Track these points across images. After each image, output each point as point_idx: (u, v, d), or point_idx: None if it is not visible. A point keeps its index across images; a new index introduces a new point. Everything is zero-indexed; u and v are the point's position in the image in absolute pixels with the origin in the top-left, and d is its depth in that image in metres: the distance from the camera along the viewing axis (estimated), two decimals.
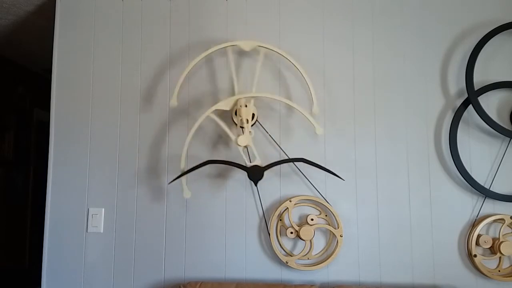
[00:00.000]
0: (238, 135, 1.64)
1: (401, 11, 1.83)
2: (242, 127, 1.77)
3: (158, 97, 1.87)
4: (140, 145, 1.85)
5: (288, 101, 1.68)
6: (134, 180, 1.83)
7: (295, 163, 1.70)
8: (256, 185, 1.66)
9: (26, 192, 3.62)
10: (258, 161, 1.64)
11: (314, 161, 1.65)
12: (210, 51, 1.70)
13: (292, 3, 1.87)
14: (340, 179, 1.72)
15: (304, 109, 1.69)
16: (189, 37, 1.89)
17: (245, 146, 1.65)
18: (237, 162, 1.66)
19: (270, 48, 1.70)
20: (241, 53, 1.83)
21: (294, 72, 1.80)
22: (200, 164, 1.65)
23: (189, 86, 1.85)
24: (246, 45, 1.71)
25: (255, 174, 1.63)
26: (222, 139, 1.81)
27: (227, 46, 1.72)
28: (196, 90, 1.85)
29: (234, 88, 1.75)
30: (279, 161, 1.65)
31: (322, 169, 1.64)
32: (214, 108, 1.68)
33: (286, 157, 1.77)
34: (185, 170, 1.66)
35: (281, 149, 1.78)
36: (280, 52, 1.70)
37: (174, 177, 1.81)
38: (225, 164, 1.67)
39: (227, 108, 1.69)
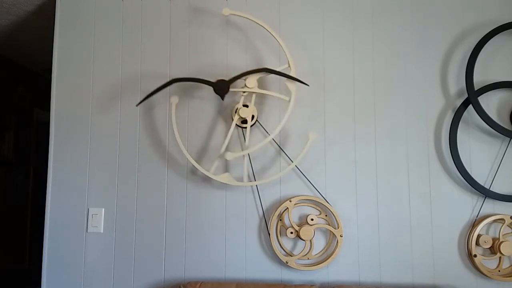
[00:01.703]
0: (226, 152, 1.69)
1: (401, 11, 1.83)
2: (239, 126, 1.77)
3: (158, 97, 1.87)
4: (140, 145, 1.85)
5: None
6: (134, 180, 1.83)
7: (297, 166, 1.70)
8: (222, 99, 1.68)
9: (26, 192, 3.62)
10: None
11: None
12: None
13: (292, 3, 1.87)
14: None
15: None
16: (189, 37, 1.89)
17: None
18: (202, 79, 1.69)
19: (239, 14, 1.73)
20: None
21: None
22: (165, 84, 1.68)
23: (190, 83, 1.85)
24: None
25: (221, 88, 1.66)
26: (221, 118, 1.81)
27: None
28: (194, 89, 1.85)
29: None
30: (242, 74, 1.66)
31: (285, 76, 1.65)
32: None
33: (287, 157, 1.77)
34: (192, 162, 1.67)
35: (281, 149, 1.78)
36: (251, 18, 1.74)
37: (174, 178, 1.81)
38: (190, 81, 1.70)
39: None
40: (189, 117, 1.84)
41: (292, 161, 1.72)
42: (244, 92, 1.69)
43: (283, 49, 1.70)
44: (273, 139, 1.79)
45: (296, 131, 1.79)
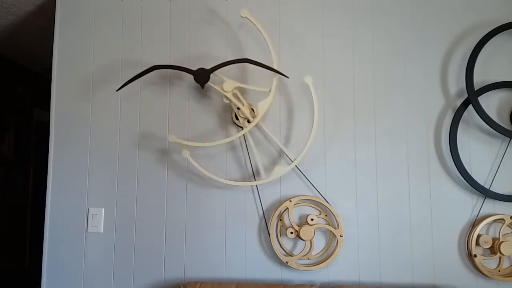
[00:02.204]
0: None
1: (401, 11, 1.83)
2: (239, 126, 1.77)
3: (158, 97, 1.87)
4: (140, 145, 1.85)
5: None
6: (134, 180, 1.83)
7: (297, 166, 1.69)
8: (202, 87, 1.67)
9: (26, 192, 3.62)
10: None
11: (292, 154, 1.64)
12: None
13: (292, 3, 1.87)
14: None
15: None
16: (189, 37, 1.89)
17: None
18: (183, 66, 1.69)
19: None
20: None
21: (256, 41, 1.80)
22: (146, 70, 1.68)
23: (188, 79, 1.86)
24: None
25: (201, 76, 1.66)
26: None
27: None
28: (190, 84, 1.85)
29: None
30: (223, 63, 1.66)
31: (267, 68, 1.65)
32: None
33: (287, 158, 1.77)
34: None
35: (282, 149, 1.78)
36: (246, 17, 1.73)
37: (174, 178, 1.81)
38: (171, 68, 1.70)
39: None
40: (189, 117, 1.84)
41: (292, 161, 1.72)
42: (226, 98, 1.68)
43: (267, 45, 1.69)
44: (273, 140, 1.78)
45: (296, 131, 1.79)
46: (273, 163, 1.78)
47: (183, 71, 1.68)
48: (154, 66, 1.69)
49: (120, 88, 1.73)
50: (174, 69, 1.69)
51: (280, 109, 1.81)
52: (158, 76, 1.88)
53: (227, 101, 1.69)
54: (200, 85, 1.65)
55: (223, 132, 1.81)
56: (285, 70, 1.81)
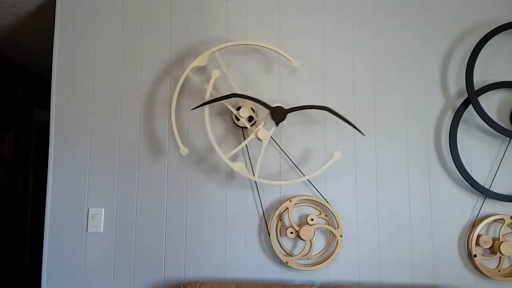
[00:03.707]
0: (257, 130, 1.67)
1: (401, 11, 1.83)
2: (240, 126, 1.77)
3: (158, 97, 1.87)
4: (140, 144, 1.85)
5: (266, 45, 1.71)
6: (134, 180, 1.83)
7: (297, 166, 1.70)
8: (277, 125, 1.66)
9: (26, 192, 3.62)
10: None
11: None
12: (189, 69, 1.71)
13: (292, 3, 1.87)
14: (361, 135, 1.74)
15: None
16: (189, 37, 1.89)
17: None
18: (262, 101, 1.67)
19: (222, 47, 1.72)
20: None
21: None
22: (226, 96, 1.66)
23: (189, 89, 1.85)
24: (201, 60, 1.72)
25: (278, 114, 1.66)
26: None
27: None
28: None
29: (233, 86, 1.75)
30: (303, 106, 1.66)
31: (346, 121, 1.65)
32: (192, 66, 1.70)
33: (287, 158, 1.77)
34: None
35: (282, 150, 1.78)
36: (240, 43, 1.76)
37: (174, 178, 1.81)
38: (250, 99, 1.68)
39: (203, 63, 1.71)
40: (189, 117, 1.84)
41: (293, 162, 1.72)
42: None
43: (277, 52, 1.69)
44: (274, 140, 1.79)
45: (296, 131, 1.79)
46: (273, 162, 1.78)
47: (261, 105, 1.67)
48: (234, 93, 1.68)
49: (194, 108, 1.71)
50: (253, 100, 1.67)
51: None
52: (158, 74, 1.88)
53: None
54: (276, 122, 1.66)
55: (229, 136, 1.81)
56: (286, 70, 1.82)
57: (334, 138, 1.78)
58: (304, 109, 1.67)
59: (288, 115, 1.66)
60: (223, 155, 1.65)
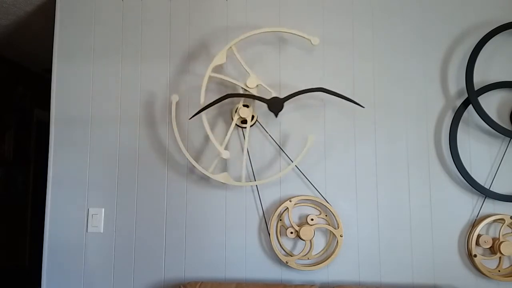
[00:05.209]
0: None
1: (401, 11, 1.83)
2: (239, 126, 1.77)
3: (158, 97, 1.87)
4: (140, 144, 1.85)
5: (282, 29, 1.72)
6: (134, 180, 1.83)
7: (297, 166, 1.70)
8: (276, 116, 1.67)
9: (26, 192, 3.62)
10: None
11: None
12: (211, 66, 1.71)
13: (292, 3, 1.87)
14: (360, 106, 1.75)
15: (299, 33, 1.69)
16: (189, 37, 1.89)
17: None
18: (257, 95, 1.69)
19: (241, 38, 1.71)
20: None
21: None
22: (220, 98, 1.67)
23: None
24: (220, 58, 1.72)
25: (275, 105, 1.66)
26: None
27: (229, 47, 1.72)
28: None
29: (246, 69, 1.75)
30: (298, 92, 1.66)
31: (341, 97, 1.66)
32: (212, 65, 1.70)
33: (287, 157, 1.77)
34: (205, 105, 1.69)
35: (281, 149, 1.78)
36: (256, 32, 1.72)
37: (174, 177, 1.81)
38: (244, 96, 1.70)
39: (223, 61, 1.71)
40: (189, 116, 1.84)
41: (292, 161, 1.72)
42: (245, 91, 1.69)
43: (295, 33, 1.69)
44: (273, 139, 1.79)
45: (296, 131, 1.79)
46: (273, 162, 1.78)
47: (257, 99, 1.68)
48: (228, 94, 1.68)
49: (192, 117, 1.72)
50: (248, 97, 1.69)
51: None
52: (159, 74, 1.88)
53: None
54: (274, 114, 1.67)
55: (222, 129, 1.81)
56: (286, 70, 1.82)
57: (334, 138, 1.78)
58: (300, 94, 1.67)
59: (289, 114, 1.66)
60: (205, 171, 1.69)
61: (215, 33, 1.88)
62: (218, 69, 1.78)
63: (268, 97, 1.67)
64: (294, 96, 1.67)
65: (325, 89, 1.65)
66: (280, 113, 1.67)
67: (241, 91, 1.73)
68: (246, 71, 1.71)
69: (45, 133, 2.05)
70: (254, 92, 1.70)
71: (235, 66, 1.82)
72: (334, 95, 1.66)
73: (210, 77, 1.71)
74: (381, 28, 1.83)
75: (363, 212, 1.74)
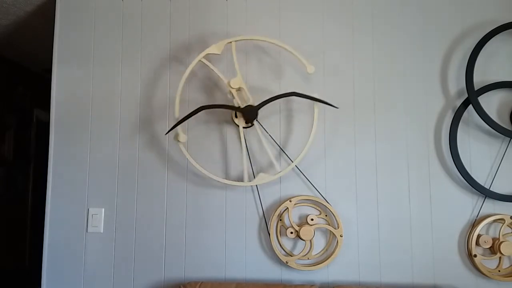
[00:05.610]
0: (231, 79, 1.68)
1: (401, 10, 1.83)
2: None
3: (158, 96, 1.87)
4: (140, 144, 1.85)
5: (279, 43, 1.71)
6: (134, 180, 1.83)
7: (297, 166, 1.70)
8: (252, 124, 1.67)
9: (26, 192, 3.62)
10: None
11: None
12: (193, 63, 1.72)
13: (292, 3, 1.87)
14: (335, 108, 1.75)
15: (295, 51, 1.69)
16: (189, 37, 1.89)
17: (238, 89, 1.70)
18: (229, 105, 1.69)
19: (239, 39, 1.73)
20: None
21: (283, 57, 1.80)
22: (194, 111, 1.67)
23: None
24: (217, 48, 1.72)
25: (250, 113, 1.66)
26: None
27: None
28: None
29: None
30: (271, 98, 1.66)
31: (314, 99, 1.66)
32: (206, 52, 1.70)
33: (287, 157, 1.77)
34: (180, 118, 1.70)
35: (281, 148, 1.78)
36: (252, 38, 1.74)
37: (174, 177, 1.81)
38: (218, 107, 1.70)
39: (218, 52, 1.71)
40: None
41: (292, 161, 1.72)
42: (231, 94, 1.70)
43: (294, 54, 1.69)
44: (273, 139, 1.79)
45: (296, 131, 1.79)
46: (271, 163, 1.78)
47: (229, 109, 1.69)
48: (202, 106, 1.68)
49: (168, 132, 1.72)
50: (220, 107, 1.69)
51: (280, 109, 1.80)
52: (158, 73, 1.88)
53: (230, 96, 1.70)
54: (250, 122, 1.67)
55: (219, 131, 1.81)
56: (286, 69, 1.82)
57: (334, 138, 1.78)
58: (273, 100, 1.67)
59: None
60: (206, 171, 1.66)
61: (215, 33, 1.88)
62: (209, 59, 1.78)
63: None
64: (268, 103, 1.67)
65: (297, 93, 1.66)
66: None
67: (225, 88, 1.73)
68: (235, 69, 1.71)
69: (45, 133, 2.05)
70: (234, 93, 1.69)
71: (226, 63, 1.82)
72: (306, 98, 1.66)
73: (199, 63, 1.71)
74: (381, 28, 1.83)
75: (363, 212, 1.74)
